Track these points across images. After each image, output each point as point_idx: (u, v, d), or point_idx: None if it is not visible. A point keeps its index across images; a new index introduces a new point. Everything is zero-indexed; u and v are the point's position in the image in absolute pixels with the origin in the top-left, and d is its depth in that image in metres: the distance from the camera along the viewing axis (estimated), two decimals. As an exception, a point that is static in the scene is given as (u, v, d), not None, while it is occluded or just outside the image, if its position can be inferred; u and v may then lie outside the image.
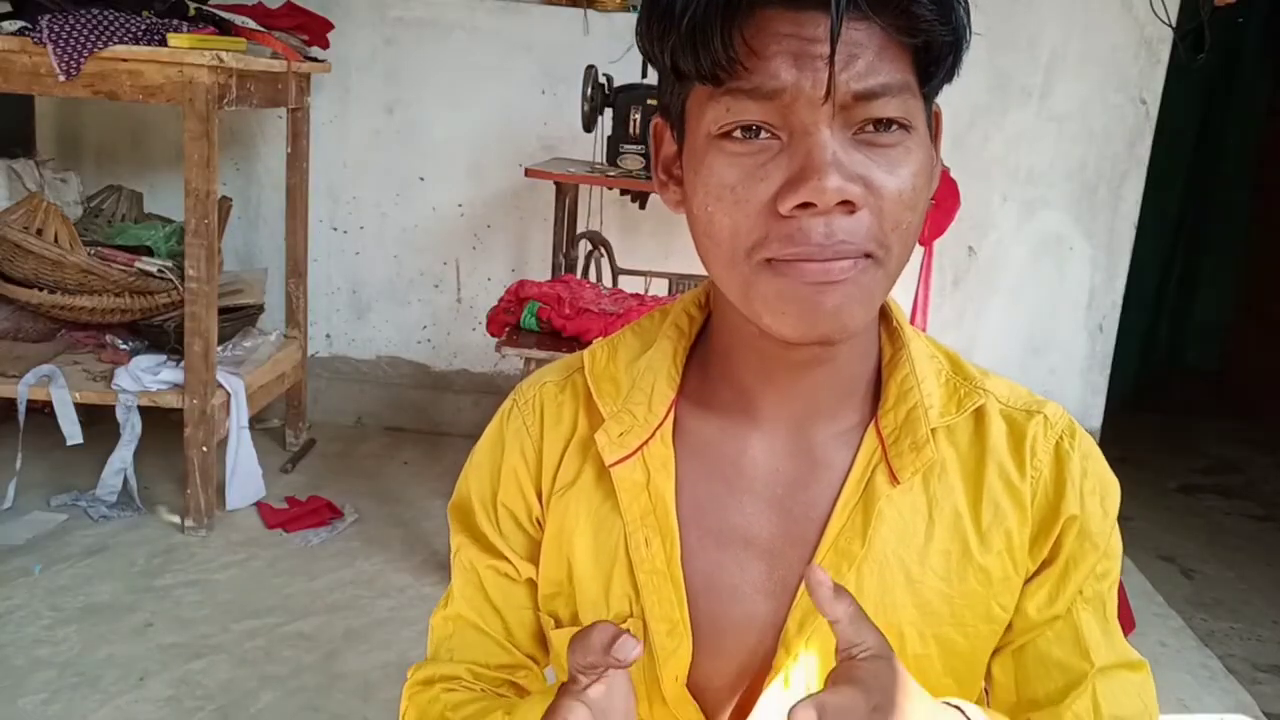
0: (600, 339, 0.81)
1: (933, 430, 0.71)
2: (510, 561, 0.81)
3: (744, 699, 0.74)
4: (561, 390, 0.80)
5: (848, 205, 0.60)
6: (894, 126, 0.62)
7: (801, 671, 0.71)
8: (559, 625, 0.79)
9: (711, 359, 0.76)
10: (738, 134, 0.62)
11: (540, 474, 0.79)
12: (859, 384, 0.74)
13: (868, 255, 0.62)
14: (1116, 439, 3.45)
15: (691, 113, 0.65)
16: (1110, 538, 0.74)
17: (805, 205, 0.60)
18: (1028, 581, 0.73)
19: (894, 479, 0.71)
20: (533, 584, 0.82)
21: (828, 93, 0.59)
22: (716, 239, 0.64)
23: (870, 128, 0.61)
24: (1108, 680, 0.72)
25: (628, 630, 0.62)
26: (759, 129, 0.62)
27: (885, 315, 0.76)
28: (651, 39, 0.64)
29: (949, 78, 0.65)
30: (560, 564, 0.77)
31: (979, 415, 0.74)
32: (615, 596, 0.75)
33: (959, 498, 0.72)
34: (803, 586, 0.71)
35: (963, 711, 0.64)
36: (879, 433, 0.72)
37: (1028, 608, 0.73)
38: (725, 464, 0.74)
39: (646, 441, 0.73)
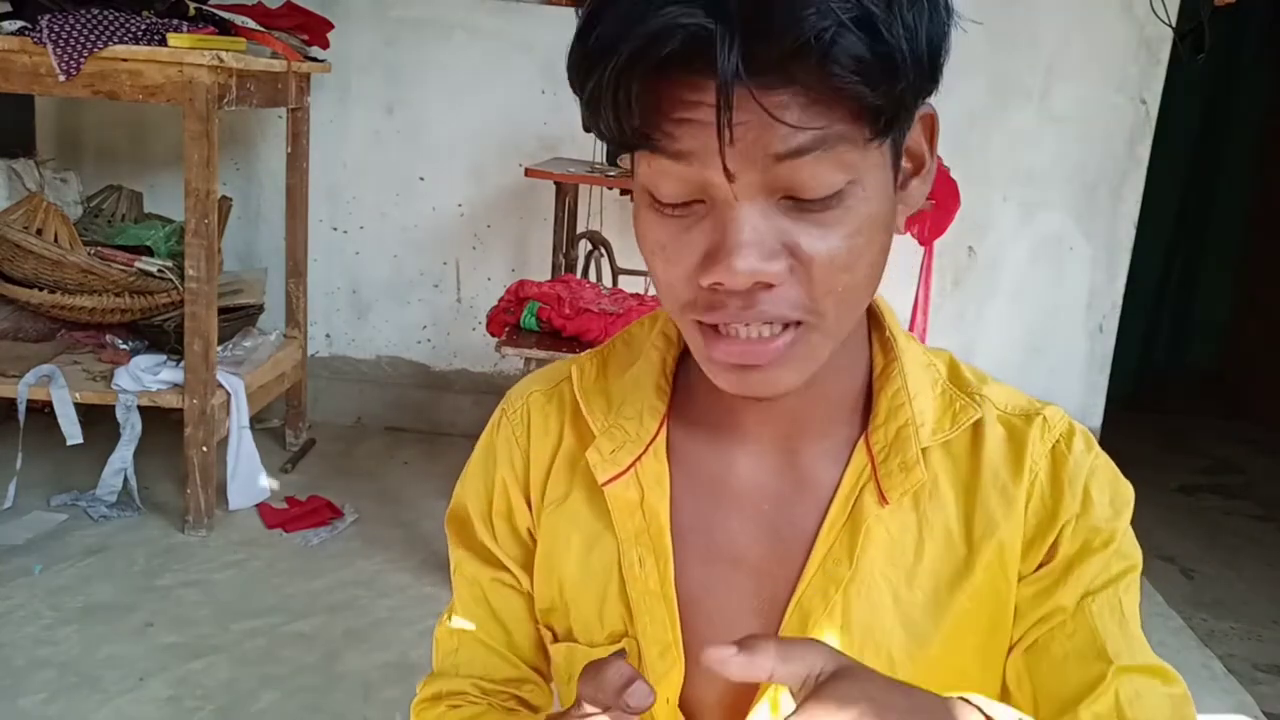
0: (589, 351, 0.79)
1: (925, 449, 0.69)
2: (511, 572, 0.80)
3: (735, 718, 0.73)
4: (549, 400, 0.78)
5: (764, 285, 0.57)
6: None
7: (788, 693, 0.68)
8: (556, 639, 0.78)
9: (696, 372, 0.72)
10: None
11: (529, 485, 0.78)
12: (848, 398, 0.71)
13: (797, 323, 0.59)
14: (1116, 439, 3.43)
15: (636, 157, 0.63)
16: (1120, 536, 0.70)
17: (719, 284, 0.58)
18: (1022, 579, 0.70)
19: (883, 499, 0.68)
20: (531, 595, 0.81)
21: (729, 174, 0.55)
22: (659, 288, 0.63)
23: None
24: (1132, 683, 0.66)
25: (643, 678, 0.59)
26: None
27: (878, 323, 0.73)
28: (584, 110, 0.61)
29: (916, 106, 0.59)
30: (552, 583, 0.76)
31: (976, 425, 0.71)
32: (609, 616, 0.73)
33: (951, 514, 0.70)
34: (790, 606, 0.70)
35: (970, 703, 0.56)
36: (869, 450, 0.70)
37: (1023, 602, 0.70)
38: (712, 480, 0.72)
39: (639, 457, 0.72)
